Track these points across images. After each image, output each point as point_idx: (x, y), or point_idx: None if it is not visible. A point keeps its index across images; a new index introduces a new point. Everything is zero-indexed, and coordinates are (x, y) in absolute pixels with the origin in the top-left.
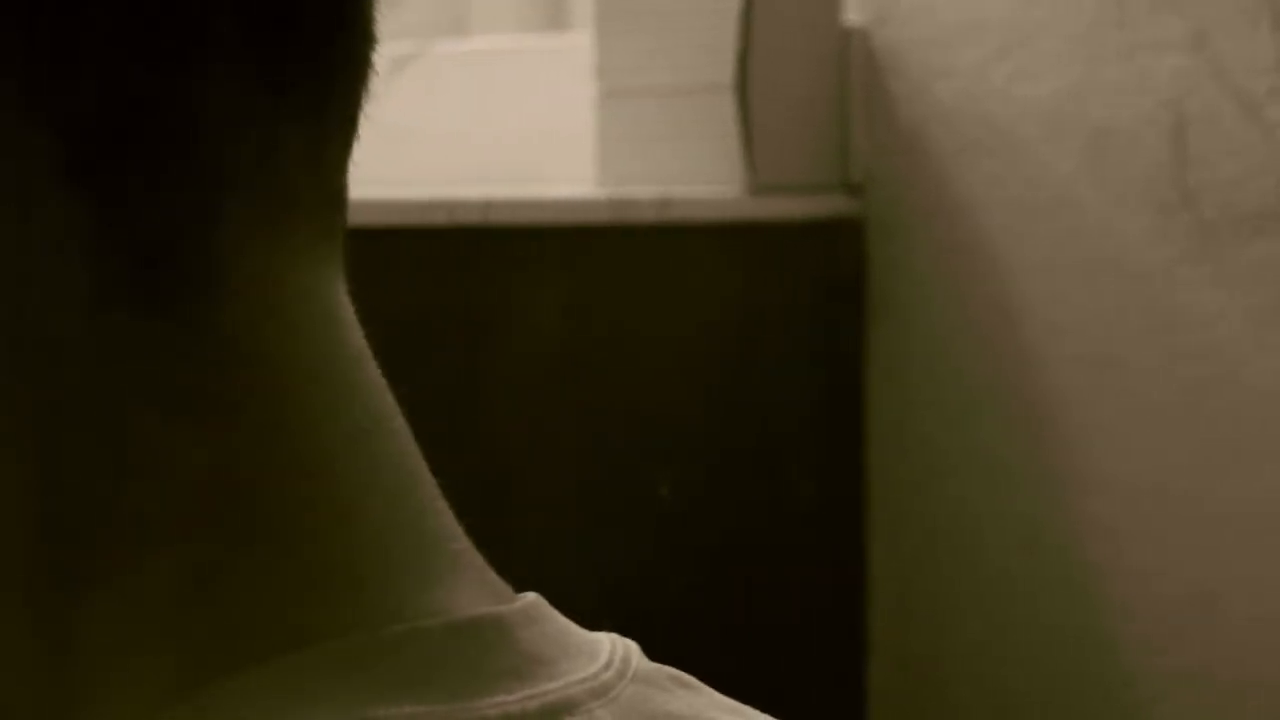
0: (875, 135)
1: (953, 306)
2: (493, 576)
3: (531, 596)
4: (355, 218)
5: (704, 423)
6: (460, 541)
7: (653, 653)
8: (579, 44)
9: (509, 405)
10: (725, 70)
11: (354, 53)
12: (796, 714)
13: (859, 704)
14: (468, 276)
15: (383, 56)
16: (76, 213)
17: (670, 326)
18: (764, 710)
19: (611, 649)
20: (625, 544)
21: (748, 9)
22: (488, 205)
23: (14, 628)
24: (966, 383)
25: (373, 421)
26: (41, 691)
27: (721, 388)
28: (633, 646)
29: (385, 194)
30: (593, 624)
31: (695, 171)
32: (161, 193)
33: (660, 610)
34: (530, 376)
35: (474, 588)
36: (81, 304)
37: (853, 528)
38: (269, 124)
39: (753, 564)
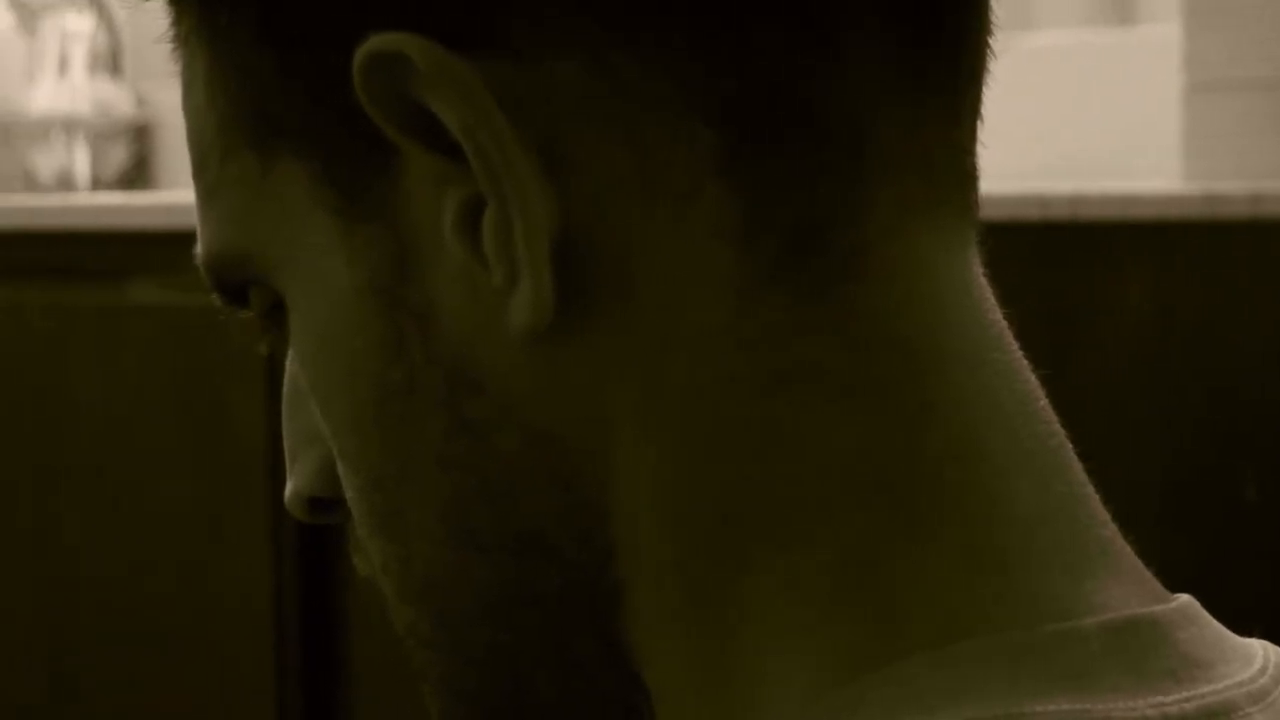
0: None
1: None
2: (1141, 567)
3: (1185, 598)
4: None
5: None
6: (1109, 527)
7: None
8: (1155, 37)
9: (1095, 398)
10: None
11: (979, 36)
12: None
13: None
14: (1056, 270)
15: None
16: (729, 202)
17: (1261, 324)
18: None
19: (1264, 654)
20: (1206, 542)
21: None
22: (1077, 200)
23: (676, 613)
24: None
25: (1018, 403)
26: (703, 674)
27: None
28: None
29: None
30: None
31: None
32: (810, 178)
33: (1241, 613)
34: (1117, 371)
35: (1126, 581)
36: (733, 292)
37: None
38: (911, 107)
39: None
